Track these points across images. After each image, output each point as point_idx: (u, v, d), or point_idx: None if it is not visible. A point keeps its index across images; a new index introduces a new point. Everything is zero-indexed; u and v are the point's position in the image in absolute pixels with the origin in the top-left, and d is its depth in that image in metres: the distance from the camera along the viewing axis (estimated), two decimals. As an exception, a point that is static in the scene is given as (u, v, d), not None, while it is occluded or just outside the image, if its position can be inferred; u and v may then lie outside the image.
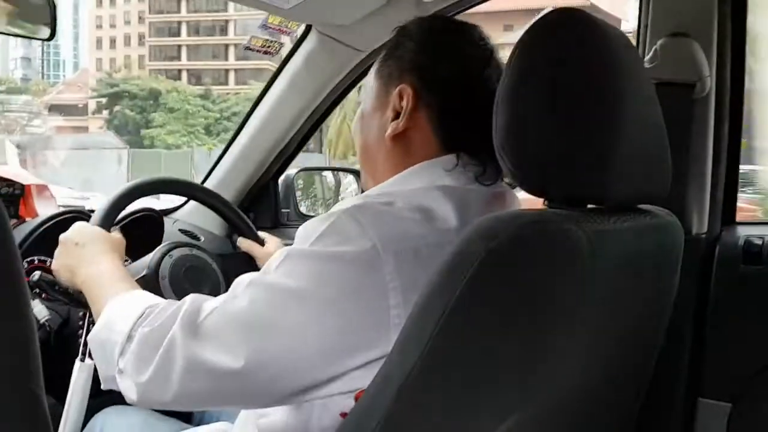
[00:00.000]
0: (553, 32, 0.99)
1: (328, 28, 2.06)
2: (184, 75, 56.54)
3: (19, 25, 1.60)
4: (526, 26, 1.01)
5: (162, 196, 1.93)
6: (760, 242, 1.58)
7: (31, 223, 1.83)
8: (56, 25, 1.60)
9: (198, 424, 1.57)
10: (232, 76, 56.15)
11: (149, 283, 1.50)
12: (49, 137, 43.21)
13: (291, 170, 2.50)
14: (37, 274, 1.49)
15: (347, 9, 1.91)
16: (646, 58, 1.55)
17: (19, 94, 54.53)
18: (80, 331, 1.50)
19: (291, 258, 1.04)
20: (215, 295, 1.51)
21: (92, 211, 1.58)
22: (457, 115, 1.17)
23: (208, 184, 2.32)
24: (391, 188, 1.14)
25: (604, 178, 0.94)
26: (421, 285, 0.89)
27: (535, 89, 0.97)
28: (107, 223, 1.50)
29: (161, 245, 1.61)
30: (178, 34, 57.87)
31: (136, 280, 1.41)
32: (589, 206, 1.00)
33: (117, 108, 47.58)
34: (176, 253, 1.60)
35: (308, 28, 2.12)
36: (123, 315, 1.15)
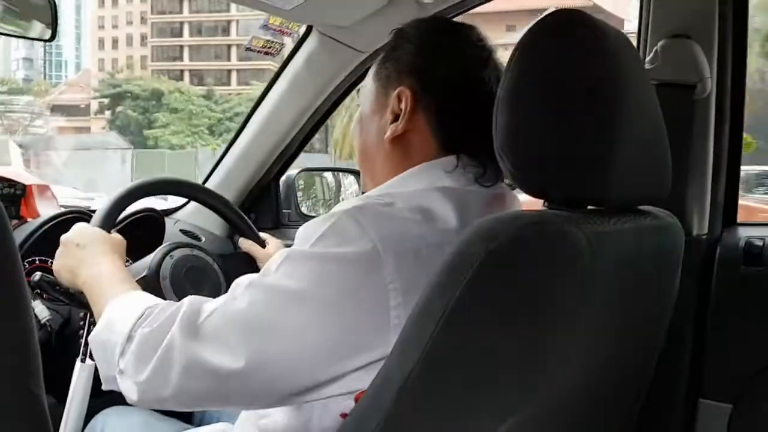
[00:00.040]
0: (553, 34, 0.99)
1: (329, 29, 2.06)
2: (187, 75, 56.57)
3: (20, 25, 1.60)
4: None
5: (168, 195, 1.93)
6: (760, 243, 1.58)
7: (32, 224, 1.84)
8: (57, 25, 1.60)
9: (199, 425, 1.57)
10: (234, 76, 56.14)
11: (150, 283, 1.51)
12: (52, 138, 43.26)
13: (292, 171, 2.50)
14: (38, 274, 1.49)
15: (348, 10, 1.91)
16: (647, 59, 1.55)
17: (21, 94, 54.59)
18: (81, 332, 1.51)
19: (291, 259, 1.04)
20: (216, 296, 1.51)
21: (94, 211, 1.58)
22: (456, 116, 1.17)
23: (209, 185, 2.32)
24: (392, 189, 1.14)
25: (604, 179, 0.94)
26: (422, 286, 0.89)
27: (535, 90, 0.97)
28: (108, 224, 1.51)
29: (162, 246, 1.61)
30: (181, 35, 57.87)
31: (137, 281, 1.42)
32: (589, 207, 0.99)
33: (119, 108, 47.55)
34: (177, 253, 1.60)
35: (309, 29, 2.12)
36: (123, 316, 1.15)
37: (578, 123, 0.94)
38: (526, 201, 1.17)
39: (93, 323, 1.31)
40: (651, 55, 1.55)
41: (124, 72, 56.50)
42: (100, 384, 1.19)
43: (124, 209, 1.60)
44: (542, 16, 1.01)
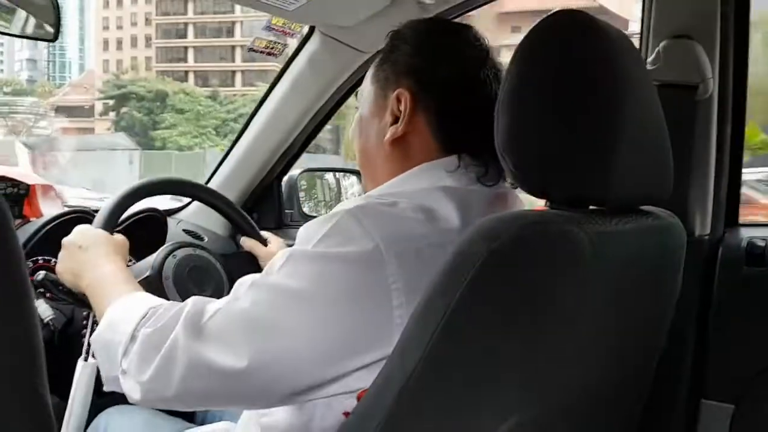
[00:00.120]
0: (555, 34, 0.99)
1: (332, 30, 2.06)
2: (191, 77, 56.58)
3: (23, 26, 1.61)
4: (533, 28, 1.02)
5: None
6: (763, 244, 1.58)
7: (35, 223, 1.84)
8: (60, 26, 1.60)
9: (201, 424, 1.57)
10: (238, 77, 56.16)
11: (153, 283, 1.51)
12: (59, 138, 43.23)
13: (294, 171, 2.50)
14: (41, 273, 1.49)
15: (350, 10, 1.91)
16: (649, 59, 1.55)
17: (25, 95, 54.63)
18: (84, 331, 1.51)
19: (294, 259, 1.04)
20: (219, 295, 1.52)
21: (97, 211, 1.58)
22: (455, 116, 1.17)
23: (212, 185, 2.32)
24: (393, 189, 1.14)
25: (606, 179, 0.94)
26: (424, 285, 0.89)
27: (537, 91, 0.97)
28: (110, 225, 1.51)
29: (165, 245, 1.61)
30: (185, 36, 57.90)
31: (140, 281, 1.42)
32: (591, 207, 0.99)
33: (124, 110, 47.56)
34: (180, 253, 1.60)
35: (311, 30, 2.12)
36: (126, 316, 1.16)
37: (580, 123, 0.94)
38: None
39: (96, 322, 1.31)
40: (653, 55, 1.55)
41: (129, 73, 56.47)
42: (103, 383, 1.19)
43: (126, 210, 1.60)
44: (544, 17, 1.01)
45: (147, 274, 1.53)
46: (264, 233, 1.88)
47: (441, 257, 0.88)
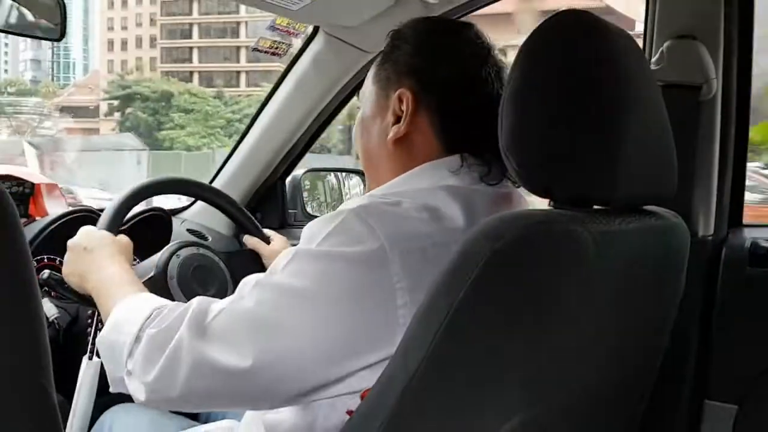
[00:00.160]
0: (559, 34, 0.99)
1: (336, 30, 2.06)
2: (196, 77, 56.60)
3: (29, 25, 1.61)
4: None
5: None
6: (766, 245, 1.58)
7: (40, 222, 1.85)
8: (66, 25, 1.61)
9: (205, 422, 1.57)
10: (243, 78, 56.17)
11: (158, 283, 1.51)
12: (66, 139, 43.20)
13: (298, 171, 2.50)
14: (46, 272, 1.50)
15: (354, 10, 1.91)
16: (653, 60, 1.55)
17: (29, 96, 54.65)
18: (89, 329, 1.51)
19: (298, 258, 1.04)
20: (223, 294, 1.52)
21: (102, 210, 1.59)
22: (457, 115, 1.17)
23: (216, 185, 2.33)
24: (396, 188, 1.14)
25: (609, 179, 0.95)
26: (428, 285, 0.89)
27: (540, 90, 0.97)
28: (114, 226, 1.51)
29: (169, 245, 1.61)
30: (190, 37, 57.92)
31: (145, 281, 1.42)
32: (595, 207, 1.00)
33: (129, 110, 47.55)
34: (184, 252, 1.60)
35: (316, 30, 2.13)
36: (131, 317, 1.16)
37: (584, 123, 0.94)
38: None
39: (101, 321, 1.32)
40: (657, 56, 1.55)
41: (134, 74, 56.48)
42: (108, 381, 1.19)
43: (130, 210, 1.61)
44: (549, 16, 1.01)
45: (151, 274, 1.54)
46: (267, 231, 1.89)
47: (445, 257, 0.89)
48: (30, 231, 1.80)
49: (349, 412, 1.03)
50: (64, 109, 54.88)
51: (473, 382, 0.87)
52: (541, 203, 1.04)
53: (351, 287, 0.99)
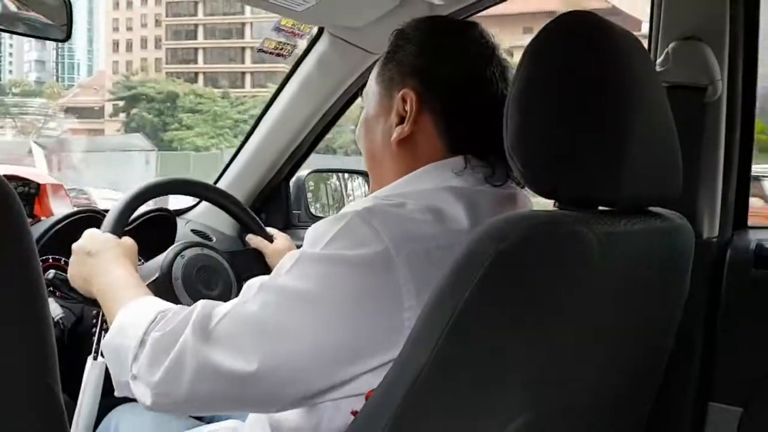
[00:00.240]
0: (564, 35, 0.99)
1: (340, 31, 2.06)
2: (201, 78, 56.64)
3: (35, 26, 1.61)
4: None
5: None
6: None
7: (45, 222, 1.85)
8: (72, 26, 1.61)
9: (209, 422, 1.57)
10: (248, 78, 56.19)
11: (162, 284, 1.52)
12: (71, 139, 43.22)
13: (302, 172, 2.51)
14: (51, 272, 1.50)
15: (359, 11, 1.91)
16: (658, 61, 1.55)
17: (33, 96, 54.73)
18: (93, 329, 1.51)
19: (302, 261, 1.04)
20: (227, 294, 1.52)
21: (107, 210, 1.59)
22: (461, 116, 1.17)
23: (220, 185, 2.32)
24: (400, 189, 1.14)
25: (615, 180, 0.95)
26: (433, 287, 0.89)
27: (546, 91, 0.97)
28: (118, 228, 1.52)
29: (173, 246, 1.62)
30: (195, 38, 57.98)
31: (150, 283, 1.43)
32: (600, 208, 1.00)
33: (134, 111, 47.59)
34: (188, 253, 1.61)
35: (320, 31, 2.13)
36: (135, 321, 1.16)
37: (589, 124, 0.95)
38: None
39: (105, 321, 1.32)
40: (662, 57, 1.55)
41: (139, 74, 56.51)
42: (114, 388, 1.20)
43: (134, 211, 1.61)
44: (554, 18, 1.01)
45: (156, 275, 1.54)
46: (270, 230, 1.89)
47: (449, 259, 0.88)
48: (35, 231, 1.80)
49: (354, 413, 1.03)
50: (69, 110, 54.96)
51: (478, 382, 0.87)
52: (546, 204, 1.04)
53: (355, 290, 0.99)
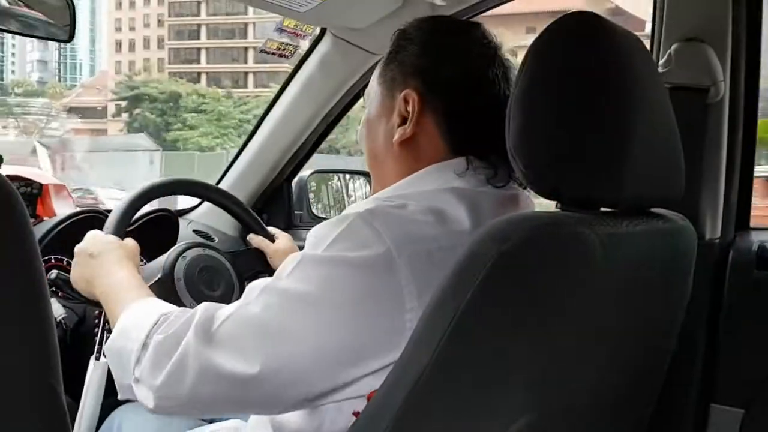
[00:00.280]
0: (566, 36, 0.99)
1: (343, 32, 2.07)
2: (204, 78, 56.65)
3: (38, 26, 1.61)
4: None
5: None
6: None
7: (48, 223, 1.85)
8: (75, 26, 1.61)
9: (211, 422, 1.58)
10: (251, 79, 56.21)
11: (165, 285, 1.52)
12: (74, 139, 43.22)
13: (304, 172, 2.51)
14: (54, 272, 1.51)
15: (362, 12, 1.91)
16: (660, 62, 1.55)
17: (36, 96, 54.79)
18: (96, 330, 1.52)
19: (304, 263, 1.04)
20: (230, 294, 1.52)
21: (109, 211, 1.59)
22: (463, 117, 1.17)
23: (222, 186, 2.33)
24: (402, 191, 1.13)
25: (617, 181, 0.95)
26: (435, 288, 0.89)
27: (548, 92, 0.97)
28: (120, 229, 1.52)
29: (175, 246, 1.62)
30: (198, 38, 58.01)
31: (152, 284, 1.43)
32: (602, 209, 1.00)
33: (137, 111, 47.61)
34: (190, 254, 1.61)
35: (323, 31, 2.13)
36: (138, 324, 1.16)
37: (591, 125, 0.95)
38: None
39: (108, 321, 1.32)
40: (664, 58, 1.55)
41: (142, 75, 56.52)
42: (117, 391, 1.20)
43: (136, 212, 1.61)
44: (556, 19, 1.01)
45: (158, 276, 1.54)
46: (272, 229, 1.89)
47: (451, 260, 0.88)
48: (38, 231, 1.80)
49: (356, 414, 1.03)
50: (72, 110, 55.01)
51: (480, 383, 0.87)
52: (548, 205, 1.04)
53: (357, 292, 0.99)
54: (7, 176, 0.78)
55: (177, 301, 1.50)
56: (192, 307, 1.45)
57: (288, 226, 2.42)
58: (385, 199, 1.09)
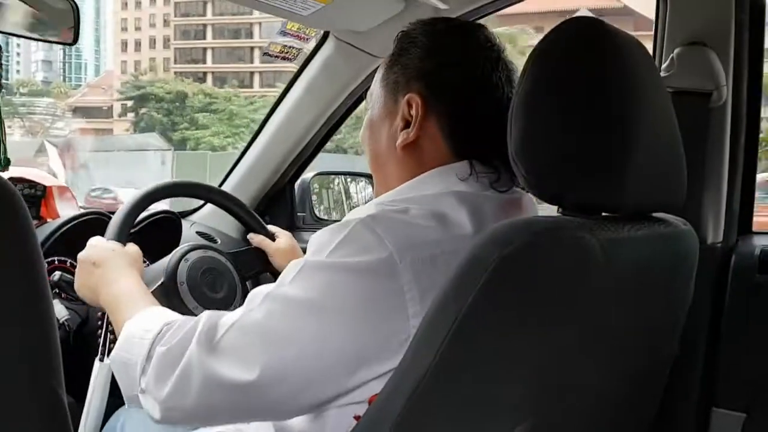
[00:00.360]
0: (569, 41, 0.99)
1: (346, 35, 2.06)
2: (209, 78, 56.65)
3: (42, 29, 1.62)
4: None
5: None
6: None
7: (52, 224, 1.85)
8: (79, 29, 1.61)
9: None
10: (257, 78, 56.20)
11: (168, 289, 1.52)
12: (83, 139, 43.20)
13: (307, 174, 2.51)
14: (57, 274, 1.51)
15: (365, 16, 1.91)
16: (663, 66, 1.54)
17: (41, 96, 54.84)
18: (99, 331, 1.52)
19: (306, 269, 1.04)
20: (232, 296, 1.52)
21: (113, 212, 1.59)
22: (467, 121, 1.16)
23: (225, 188, 2.33)
24: (404, 194, 1.13)
25: (618, 185, 0.95)
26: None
27: (550, 97, 0.97)
28: (122, 235, 1.52)
29: (177, 249, 1.62)
30: (204, 37, 58.02)
31: (156, 288, 1.43)
32: (604, 214, 1.00)
33: (143, 110, 47.59)
34: (192, 256, 1.61)
35: (326, 34, 2.13)
36: (141, 334, 1.16)
37: (593, 129, 0.95)
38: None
39: (111, 323, 1.33)
40: (667, 62, 1.54)
41: (148, 74, 56.52)
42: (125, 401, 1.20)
43: (138, 216, 1.61)
44: (559, 22, 1.01)
45: (161, 280, 1.54)
46: (272, 228, 1.89)
47: (454, 264, 0.89)
48: (41, 233, 1.80)
49: (357, 417, 1.03)
50: (77, 110, 55.06)
51: (481, 387, 0.87)
52: (552, 209, 1.04)
53: (360, 297, 0.99)
54: (11, 178, 0.79)
55: (180, 304, 1.50)
56: (195, 310, 1.46)
57: (290, 228, 2.40)
58: (387, 203, 1.09)
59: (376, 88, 1.27)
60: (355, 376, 1.00)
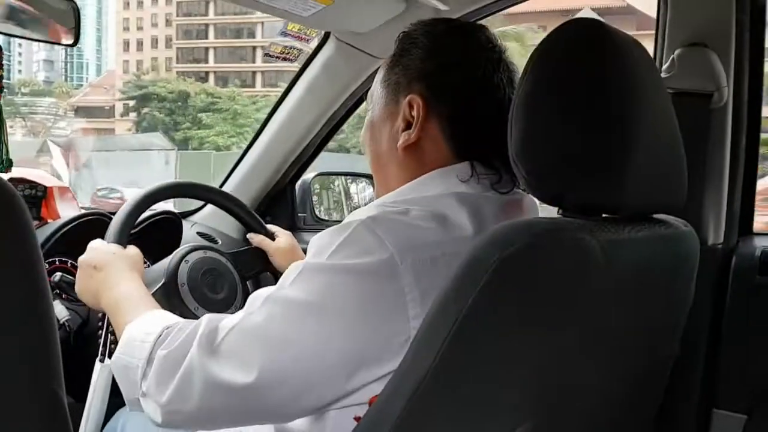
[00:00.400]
0: (569, 43, 0.99)
1: (347, 36, 2.06)
2: (212, 77, 56.69)
3: (43, 30, 1.62)
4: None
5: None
6: None
7: (52, 225, 1.85)
8: (80, 30, 1.61)
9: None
10: (259, 78, 56.23)
11: (169, 290, 1.52)
12: (86, 138, 43.19)
13: (308, 175, 2.51)
14: (57, 275, 1.51)
15: (366, 17, 1.91)
16: (663, 67, 1.54)
17: (42, 96, 54.91)
18: (100, 332, 1.52)
19: (307, 271, 1.04)
20: (233, 297, 1.52)
21: (113, 213, 1.59)
22: (468, 122, 1.16)
23: (226, 188, 2.33)
24: (405, 195, 1.13)
25: (619, 187, 0.95)
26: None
27: (550, 98, 0.97)
28: (123, 237, 1.51)
29: (178, 250, 1.62)
30: (206, 37, 58.08)
31: (157, 290, 1.43)
32: (604, 215, 1.00)
33: (145, 110, 47.61)
34: (192, 257, 1.61)
35: (327, 35, 2.13)
36: (142, 338, 1.16)
37: (593, 131, 0.94)
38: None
39: (111, 324, 1.33)
40: (668, 63, 1.54)
41: (150, 74, 56.56)
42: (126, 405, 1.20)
43: (137, 219, 1.61)
44: (560, 24, 1.01)
45: (162, 281, 1.54)
46: (272, 227, 1.89)
47: (455, 265, 0.88)
48: (42, 234, 1.80)
49: (357, 419, 1.03)
50: (79, 110, 55.12)
51: (481, 388, 0.87)
52: (553, 210, 1.04)
53: (361, 299, 0.99)
54: (11, 179, 0.79)
55: (181, 305, 1.50)
56: (196, 311, 1.46)
57: (291, 229, 2.41)
58: (387, 204, 1.09)
59: (376, 89, 1.26)
60: (356, 378, 1.00)
